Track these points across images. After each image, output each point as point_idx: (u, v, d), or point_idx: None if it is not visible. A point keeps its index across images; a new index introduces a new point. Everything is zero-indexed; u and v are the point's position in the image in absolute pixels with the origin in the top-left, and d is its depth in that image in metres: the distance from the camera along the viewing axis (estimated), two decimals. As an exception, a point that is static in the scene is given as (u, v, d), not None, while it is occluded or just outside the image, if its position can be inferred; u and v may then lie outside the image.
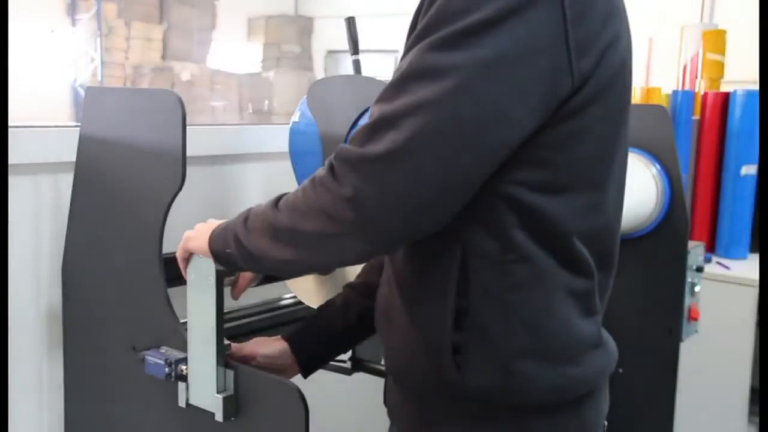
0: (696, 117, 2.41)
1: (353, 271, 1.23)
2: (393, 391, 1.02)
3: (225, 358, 1.05)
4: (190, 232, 1.04)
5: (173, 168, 1.12)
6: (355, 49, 1.70)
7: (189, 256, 1.05)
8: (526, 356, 0.88)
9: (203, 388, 1.06)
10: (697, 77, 2.63)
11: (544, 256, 0.87)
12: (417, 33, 0.82)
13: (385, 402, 1.07)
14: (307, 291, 1.38)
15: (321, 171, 0.84)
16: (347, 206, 0.80)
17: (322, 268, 1.12)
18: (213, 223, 1.01)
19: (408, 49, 0.83)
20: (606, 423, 1.01)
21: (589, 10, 0.82)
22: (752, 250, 2.39)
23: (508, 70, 0.79)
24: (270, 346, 1.14)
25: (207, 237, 0.99)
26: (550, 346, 0.89)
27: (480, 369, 0.89)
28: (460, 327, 0.89)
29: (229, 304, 1.14)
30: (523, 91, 0.80)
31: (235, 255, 0.94)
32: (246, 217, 0.94)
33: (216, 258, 0.99)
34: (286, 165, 1.60)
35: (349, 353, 1.48)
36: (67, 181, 1.33)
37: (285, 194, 0.90)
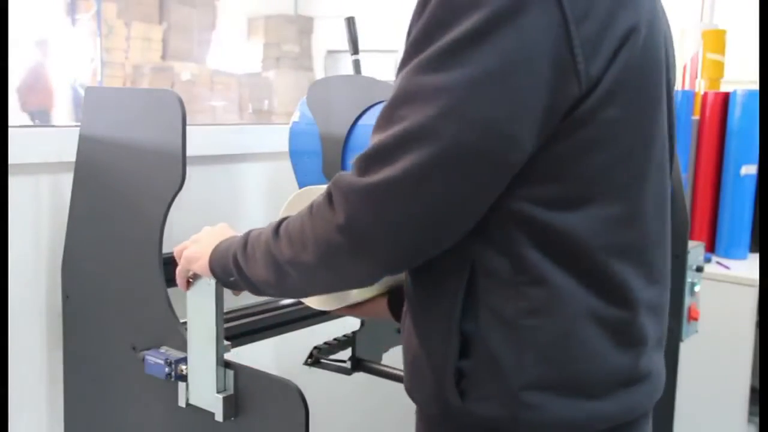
0: (696, 117, 2.41)
1: None
2: (416, 420, 0.96)
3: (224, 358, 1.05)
4: (192, 248, 1.03)
5: (173, 168, 1.12)
6: (355, 49, 1.70)
7: (192, 276, 1.05)
8: (540, 388, 0.80)
9: (203, 388, 1.06)
10: (697, 77, 2.63)
11: (562, 276, 0.79)
12: (406, 50, 0.78)
13: None
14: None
15: (319, 199, 0.82)
16: (342, 233, 0.78)
17: (330, 292, 1.04)
18: (217, 234, 1.00)
19: (401, 64, 0.78)
20: None
21: (593, 4, 0.75)
22: (752, 250, 2.39)
23: (500, 86, 0.72)
24: None
25: (208, 258, 0.98)
26: (567, 378, 0.80)
27: (487, 399, 0.81)
28: (468, 352, 0.82)
29: (229, 304, 1.14)
30: (521, 106, 0.73)
31: (239, 282, 0.94)
32: (245, 242, 0.92)
33: (219, 282, 1.00)
34: (286, 165, 1.60)
35: (349, 353, 1.49)
36: (67, 181, 1.33)
37: (285, 219, 0.88)
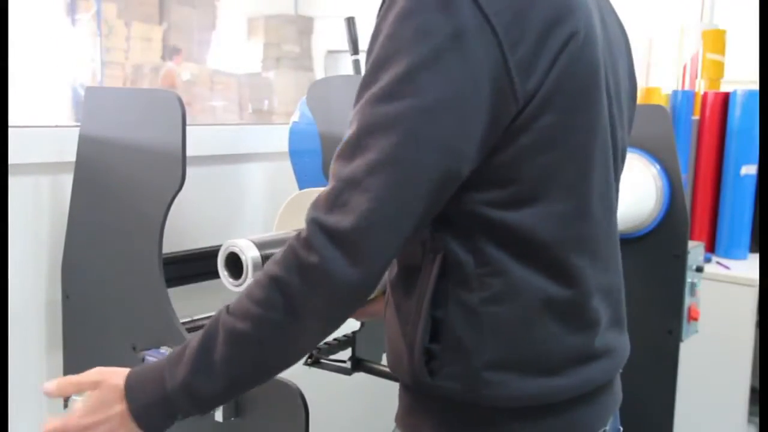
0: (696, 117, 2.41)
1: None
2: (399, 391, 1.03)
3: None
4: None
5: (173, 168, 1.12)
6: (355, 49, 1.70)
7: None
8: (499, 368, 0.89)
9: (203, 388, 1.06)
10: (696, 77, 2.63)
11: (519, 268, 0.87)
12: (363, 79, 0.84)
13: None
14: None
15: (281, 256, 0.82)
16: (315, 268, 0.80)
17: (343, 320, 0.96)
18: (106, 397, 0.88)
19: (359, 91, 0.84)
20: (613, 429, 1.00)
21: (527, 26, 0.82)
22: (752, 250, 2.39)
23: (450, 110, 0.80)
24: None
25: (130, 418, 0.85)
26: (525, 359, 0.89)
27: (453, 377, 0.89)
28: (437, 336, 0.90)
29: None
30: (469, 125, 0.81)
31: (190, 410, 0.87)
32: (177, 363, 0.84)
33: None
34: (286, 165, 1.61)
35: (349, 353, 1.49)
36: (67, 181, 1.33)
37: (229, 308, 0.84)
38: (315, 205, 0.82)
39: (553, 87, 0.84)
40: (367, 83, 0.83)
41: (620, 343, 1.01)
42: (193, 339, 0.85)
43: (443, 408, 0.92)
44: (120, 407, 0.86)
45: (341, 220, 0.79)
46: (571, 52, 0.85)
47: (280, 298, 0.81)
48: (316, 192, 1.04)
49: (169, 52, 6.26)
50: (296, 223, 1.07)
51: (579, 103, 0.88)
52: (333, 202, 0.81)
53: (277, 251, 0.84)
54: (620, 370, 1.01)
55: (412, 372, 0.92)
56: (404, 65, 0.79)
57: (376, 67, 0.82)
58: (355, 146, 0.81)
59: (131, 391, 0.86)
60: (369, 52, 0.86)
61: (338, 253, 0.79)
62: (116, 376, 0.87)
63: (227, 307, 0.85)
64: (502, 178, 0.85)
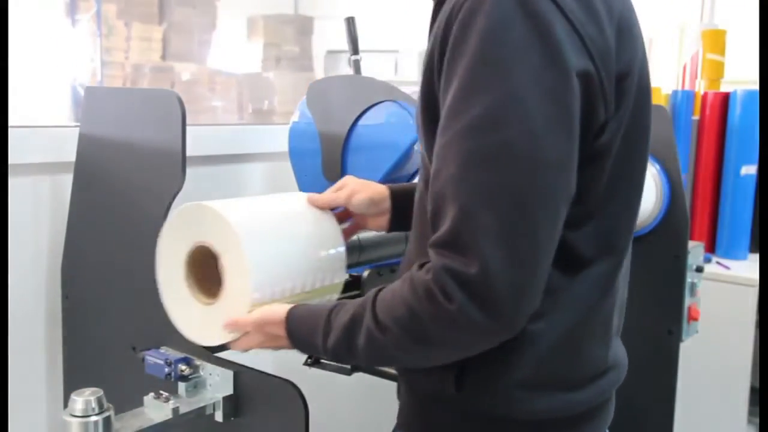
0: (696, 117, 2.41)
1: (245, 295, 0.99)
2: (404, 391, 1.01)
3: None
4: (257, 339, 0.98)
5: (173, 168, 1.12)
6: (355, 49, 1.70)
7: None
8: (531, 385, 0.88)
9: (203, 388, 1.07)
10: (696, 77, 2.63)
11: (569, 285, 0.86)
12: (451, 106, 0.78)
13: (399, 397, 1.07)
14: (188, 319, 1.05)
15: (417, 292, 0.80)
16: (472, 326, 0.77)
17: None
18: (267, 316, 0.95)
19: (445, 120, 0.79)
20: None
21: (607, 36, 0.82)
22: (752, 250, 2.39)
23: (560, 128, 0.77)
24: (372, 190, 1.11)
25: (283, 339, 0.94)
26: (557, 375, 0.89)
27: (480, 392, 0.88)
28: None
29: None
30: (574, 140, 0.79)
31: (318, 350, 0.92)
32: (340, 337, 0.88)
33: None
34: (286, 165, 1.61)
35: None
36: (67, 181, 1.33)
37: (376, 304, 0.85)
38: (435, 248, 0.78)
39: (630, 97, 0.85)
40: (460, 110, 0.77)
41: (622, 352, 1.02)
42: (347, 308, 0.88)
43: (460, 417, 0.91)
44: (284, 343, 0.95)
45: (468, 265, 0.75)
46: (641, 62, 0.87)
47: (415, 329, 0.80)
48: (198, 209, 1.01)
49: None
50: (186, 239, 1.02)
51: (639, 109, 0.88)
52: (455, 244, 0.76)
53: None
54: (621, 382, 1.01)
55: (434, 381, 0.90)
56: (503, 89, 0.75)
57: (469, 90, 0.76)
58: (461, 180, 0.76)
59: (293, 341, 0.94)
60: (447, 70, 0.79)
61: (473, 301, 0.75)
62: (275, 326, 0.94)
63: (375, 297, 0.85)
64: (578, 195, 0.82)
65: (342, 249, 1.08)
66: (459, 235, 0.76)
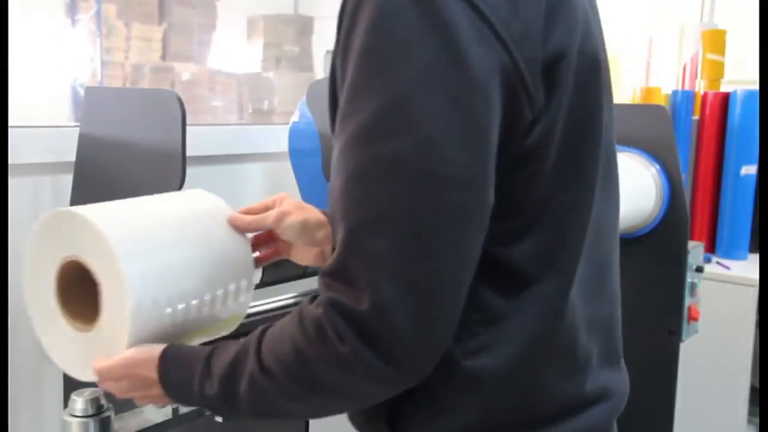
0: (696, 117, 2.41)
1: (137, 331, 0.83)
2: None
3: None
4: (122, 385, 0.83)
5: (173, 168, 1.12)
6: (355, 49, 1.70)
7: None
8: (481, 429, 0.74)
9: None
10: (696, 77, 2.63)
11: (514, 311, 0.73)
12: (342, 107, 0.69)
13: None
14: (67, 354, 0.90)
15: (307, 330, 0.68)
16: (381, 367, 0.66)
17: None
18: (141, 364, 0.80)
19: (340, 121, 0.69)
20: None
21: (528, 16, 0.68)
22: (752, 250, 2.39)
23: (463, 135, 0.65)
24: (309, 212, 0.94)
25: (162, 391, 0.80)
26: (511, 416, 0.75)
27: None
28: (408, 391, 0.72)
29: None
30: (486, 148, 0.67)
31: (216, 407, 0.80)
32: (220, 376, 0.76)
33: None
34: (286, 165, 1.61)
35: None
36: (67, 181, 1.33)
37: (262, 344, 0.73)
38: (324, 277, 0.68)
39: (566, 84, 0.71)
40: (348, 113, 0.67)
41: (619, 379, 0.87)
42: (229, 349, 0.76)
43: None
44: (156, 391, 0.82)
45: (358, 300, 0.64)
46: (583, 36, 0.72)
47: (303, 373, 0.69)
48: (72, 214, 0.85)
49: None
50: (54, 249, 0.87)
51: (583, 93, 0.74)
52: (342, 275, 0.65)
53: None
54: (618, 415, 0.86)
55: (368, 426, 0.79)
56: (392, 90, 0.63)
57: (356, 91, 0.66)
58: (349, 198, 0.66)
59: (166, 385, 0.81)
60: (341, 66, 0.70)
61: (366, 343, 0.64)
62: (146, 368, 0.81)
63: (261, 335, 0.74)
64: (510, 206, 0.71)
65: (251, 280, 0.92)
66: (347, 263, 0.65)
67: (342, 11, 0.69)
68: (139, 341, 0.81)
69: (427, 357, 0.66)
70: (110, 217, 0.84)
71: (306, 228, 0.92)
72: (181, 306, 0.84)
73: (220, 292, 0.88)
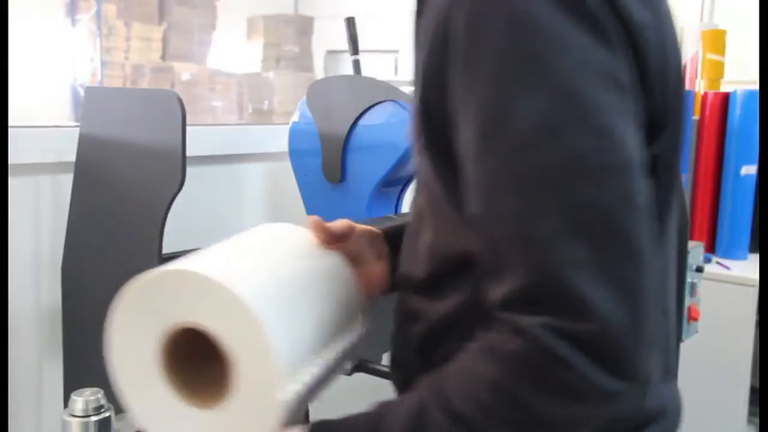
0: (696, 117, 2.41)
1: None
2: None
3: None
4: None
5: (173, 168, 1.12)
6: (354, 49, 1.70)
7: None
8: None
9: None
10: (696, 77, 2.63)
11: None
12: (480, 128, 0.62)
13: None
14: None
15: (515, 366, 0.60)
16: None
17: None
18: None
19: (475, 139, 0.62)
20: None
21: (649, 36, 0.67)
22: (752, 250, 2.39)
23: (621, 128, 0.62)
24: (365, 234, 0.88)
25: None
26: None
27: None
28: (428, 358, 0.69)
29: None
30: (636, 143, 0.63)
31: None
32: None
33: None
34: (286, 165, 1.61)
35: (349, 353, 1.48)
36: (67, 181, 1.33)
37: (442, 390, 0.63)
38: (520, 305, 0.60)
39: (671, 94, 0.70)
40: (494, 131, 0.61)
41: (672, 396, 0.81)
42: (396, 413, 0.66)
43: None
44: None
45: (576, 317, 0.58)
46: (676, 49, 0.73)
47: (514, 414, 0.61)
48: (190, 274, 0.72)
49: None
50: (158, 313, 0.74)
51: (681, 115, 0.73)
52: (548, 294, 0.59)
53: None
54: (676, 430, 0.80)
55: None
56: (552, 85, 0.59)
57: (503, 104, 0.61)
58: (530, 212, 0.60)
59: None
60: (461, 83, 0.63)
61: (593, 361, 0.58)
62: None
63: (433, 385, 0.65)
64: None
65: (357, 299, 0.83)
66: (548, 282, 0.58)
67: (442, 27, 0.64)
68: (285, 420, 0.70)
69: (649, 358, 0.61)
70: (236, 274, 0.70)
71: (373, 238, 0.88)
72: (315, 371, 0.75)
73: (347, 345, 0.81)
